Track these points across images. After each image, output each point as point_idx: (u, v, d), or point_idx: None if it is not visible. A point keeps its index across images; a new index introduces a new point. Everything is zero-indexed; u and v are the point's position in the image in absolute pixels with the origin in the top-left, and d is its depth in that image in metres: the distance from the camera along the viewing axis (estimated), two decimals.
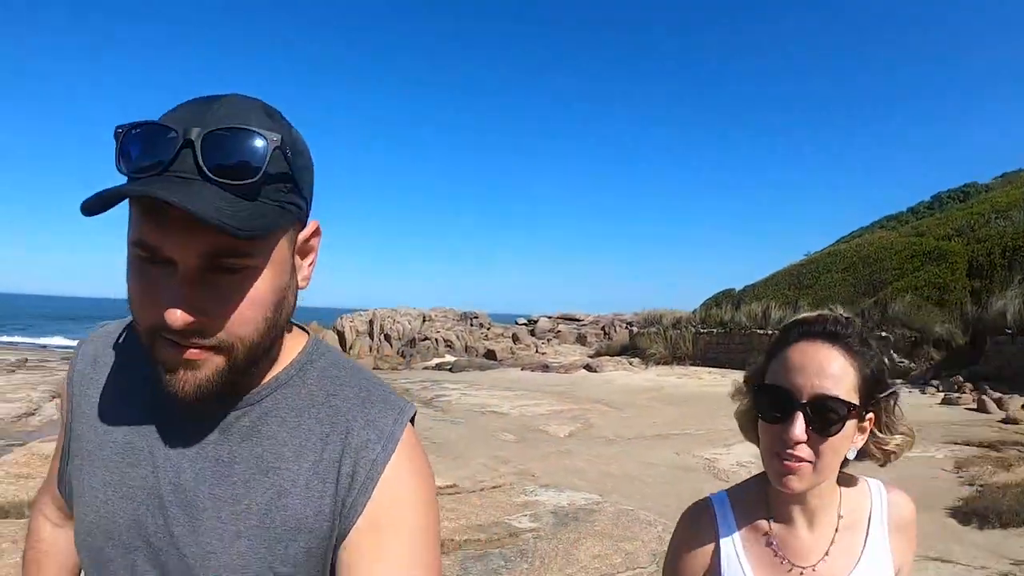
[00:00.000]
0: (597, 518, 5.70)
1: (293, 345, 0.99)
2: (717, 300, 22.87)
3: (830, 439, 1.16)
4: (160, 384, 0.85)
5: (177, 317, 0.77)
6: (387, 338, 35.58)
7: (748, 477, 1.38)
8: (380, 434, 0.93)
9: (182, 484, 0.90)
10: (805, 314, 1.29)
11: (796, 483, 1.17)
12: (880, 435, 1.26)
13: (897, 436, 1.28)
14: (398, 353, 33.65)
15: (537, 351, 32.62)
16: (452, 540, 5.09)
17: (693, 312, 23.33)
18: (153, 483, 0.92)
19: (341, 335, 36.66)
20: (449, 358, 30.84)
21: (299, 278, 0.95)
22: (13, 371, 19.56)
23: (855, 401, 1.18)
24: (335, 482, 0.90)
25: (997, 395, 11.71)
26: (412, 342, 34.55)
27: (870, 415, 1.24)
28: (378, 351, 34.50)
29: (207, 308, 0.80)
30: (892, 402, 1.27)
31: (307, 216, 0.93)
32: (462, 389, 17.47)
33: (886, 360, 1.26)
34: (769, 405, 1.21)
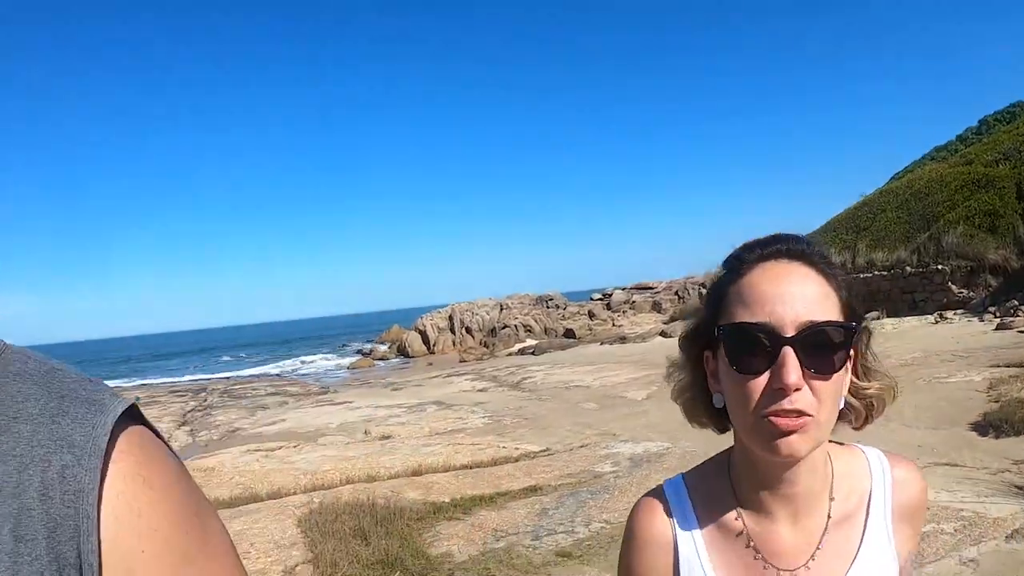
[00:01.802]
0: (666, 459, 6.82)
1: None
2: None
3: (831, 379, 0.89)
4: None
5: None
6: (468, 331, 36.79)
7: (706, 459, 1.10)
8: (79, 452, 0.62)
9: None
10: (748, 242, 1.00)
11: (800, 444, 0.87)
12: (858, 381, 0.98)
13: (875, 382, 1.00)
14: (481, 344, 34.85)
15: (613, 324, 33.44)
16: (549, 485, 6.38)
17: None
18: None
19: (423, 334, 38.09)
20: (530, 342, 31.85)
21: None
22: None
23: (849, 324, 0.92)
24: (46, 545, 0.59)
25: None
26: (493, 331, 35.71)
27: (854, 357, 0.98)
28: (461, 344, 35.75)
29: None
30: (867, 338, 1.01)
31: None
32: (546, 369, 18.53)
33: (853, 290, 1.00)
34: (743, 351, 0.90)
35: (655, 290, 39.95)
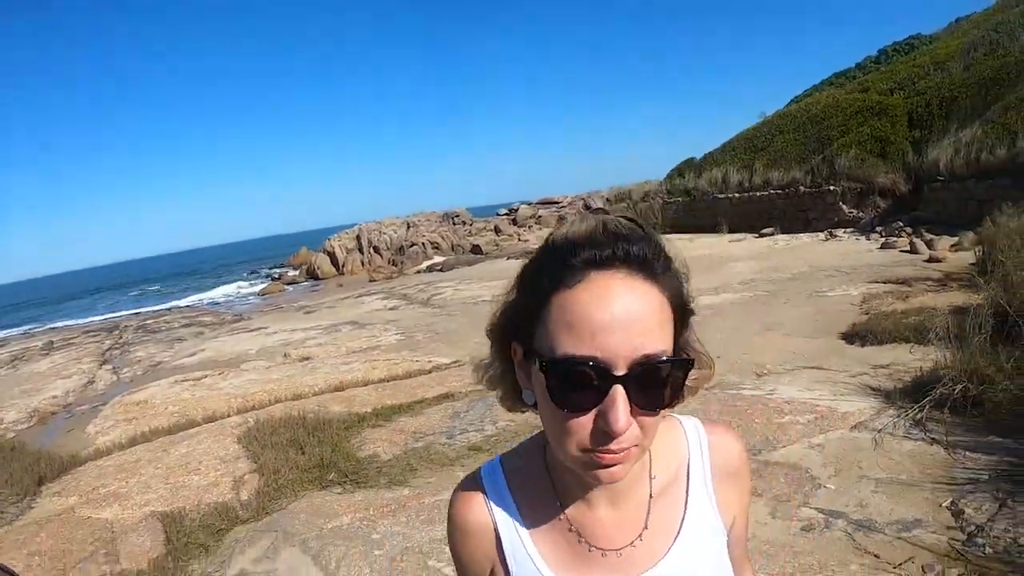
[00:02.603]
0: None
1: None
2: (680, 170, 23.99)
3: (659, 412, 0.82)
4: None
5: None
6: (376, 250, 36.80)
7: (527, 438, 1.04)
8: None
9: None
10: (576, 226, 0.83)
11: (623, 471, 0.82)
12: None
13: (697, 371, 0.89)
14: (389, 263, 34.93)
15: (519, 239, 34.05)
16: (461, 392, 7.11)
17: (659, 184, 24.64)
18: None
19: (332, 255, 37.95)
20: (438, 259, 32.33)
21: None
22: (47, 353, 21.03)
23: (675, 351, 0.82)
24: None
25: (930, 237, 12.61)
26: (401, 249, 35.81)
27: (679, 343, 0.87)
28: (370, 264, 35.79)
29: None
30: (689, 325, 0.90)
31: None
32: (454, 285, 19.11)
33: (676, 263, 0.86)
34: (567, 388, 0.79)
35: (560, 204, 40.50)
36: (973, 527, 3.20)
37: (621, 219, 0.84)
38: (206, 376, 11.09)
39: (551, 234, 0.86)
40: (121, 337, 22.56)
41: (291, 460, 5.51)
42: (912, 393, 4.90)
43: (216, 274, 67.51)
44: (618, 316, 0.76)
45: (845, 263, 11.63)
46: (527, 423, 5.78)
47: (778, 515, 3.64)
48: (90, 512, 5.45)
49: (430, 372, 8.67)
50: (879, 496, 3.66)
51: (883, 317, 7.43)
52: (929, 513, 3.40)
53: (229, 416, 7.70)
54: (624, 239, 0.80)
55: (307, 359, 11.24)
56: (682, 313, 0.85)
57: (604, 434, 0.78)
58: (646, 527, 0.95)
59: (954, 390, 4.49)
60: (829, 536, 3.37)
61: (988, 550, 3.00)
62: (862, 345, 6.81)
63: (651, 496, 0.96)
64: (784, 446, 4.55)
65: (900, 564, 3.04)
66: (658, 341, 0.78)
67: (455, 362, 9.07)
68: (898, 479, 3.81)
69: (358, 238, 37.86)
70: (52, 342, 24.09)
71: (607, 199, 33.90)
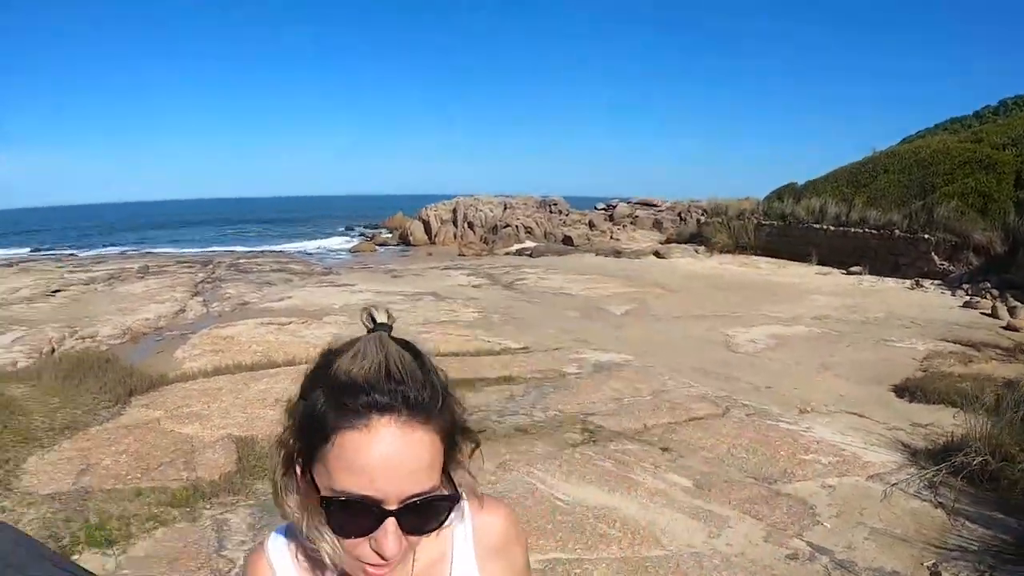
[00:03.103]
0: (625, 370, 7.90)
1: None
2: (780, 193, 23.72)
3: (428, 534, 0.95)
4: None
5: None
6: (470, 226, 37.35)
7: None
8: None
9: None
10: (360, 363, 0.92)
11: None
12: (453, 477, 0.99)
13: (464, 472, 1.01)
14: (481, 240, 35.52)
15: (611, 237, 34.01)
16: (521, 378, 7.53)
17: (757, 204, 24.40)
18: None
19: (426, 224, 38.74)
20: (529, 244, 32.67)
21: None
22: (143, 277, 22.08)
23: (445, 487, 0.96)
24: None
25: (1014, 304, 12.07)
26: (494, 229, 36.30)
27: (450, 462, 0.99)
28: (462, 238, 36.41)
29: None
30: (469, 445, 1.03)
31: None
32: (539, 273, 19.36)
33: (452, 395, 0.99)
34: (347, 519, 0.91)
35: (659, 208, 40.06)
36: None
37: (403, 356, 0.94)
38: (291, 323, 11.83)
39: (335, 361, 0.95)
40: (214, 272, 23.64)
41: None
42: (936, 456, 5.05)
43: (313, 223, 69.60)
44: (392, 461, 0.88)
45: (922, 316, 11.50)
46: (572, 413, 6.22)
47: (770, 540, 3.96)
48: (173, 426, 6.10)
49: (498, 354, 9.10)
50: (869, 543, 3.92)
51: (939, 377, 7.44)
52: (909, 569, 3.66)
53: (307, 363, 8.27)
54: (404, 384, 0.91)
55: None
56: (452, 442, 0.97)
57: (378, 556, 0.91)
58: None
59: (973, 460, 4.63)
60: (810, 568, 3.68)
61: None
62: (910, 401, 6.87)
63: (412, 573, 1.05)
64: (799, 481, 4.81)
65: None
66: (426, 481, 0.91)
67: (523, 348, 9.48)
68: (892, 532, 4.05)
69: (454, 211, 38.44)
70: (148, 267, 25.23)
71: (704, 210, 33.62)
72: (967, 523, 4.15)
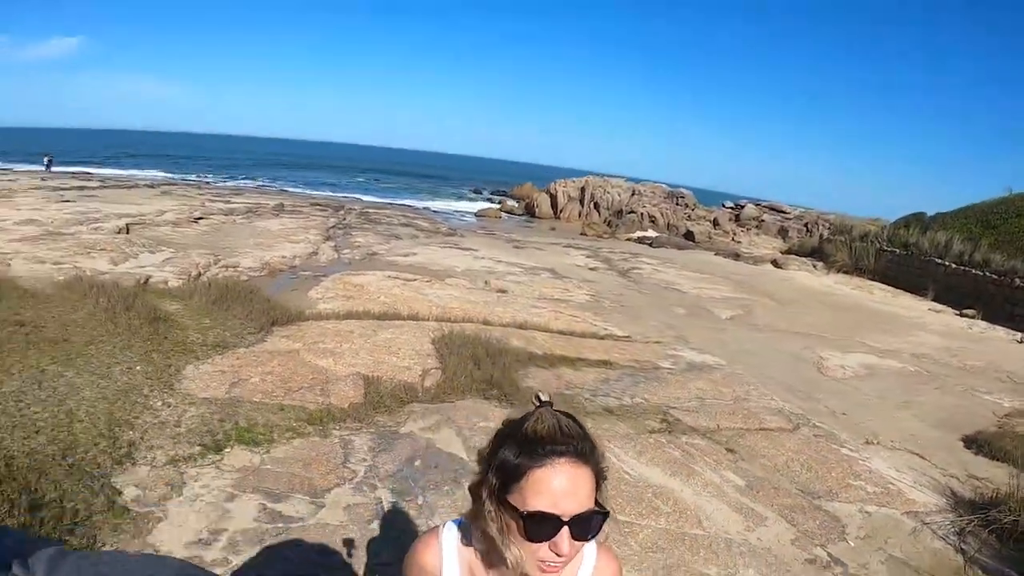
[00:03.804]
0: (715, 373, 8.49)
1: None
2: (907, 222, 23.27)
3: (587, 540, 1.36)
4: None
5: None
6: (596, 206, 37.86)
7: (469, 520, 1.50)
8: None
9: None
10: (540, 424, 1.35)
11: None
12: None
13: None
14: (605, 222, 36.05)
15: (733, 238, 34.03)
16: (618, 364, 8.26)
17: (882, 228, 24.03)
18: None
19: (554, 198, 39.46)
20: (651, 233, 33.12)
21: None
22: (278, 215, 23.61)
23: (603, 505, 1.36)
24: None
25: None
26: (619, 213, 36.78)
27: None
28: (586, 218, 36.96)
29: None
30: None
31: None
32: (655, 265, 19.82)
33: (599, 450, 1.40)
34: (536, 529, 1.31)
35: (787, 215, 39.73)
36: None
37: (569, 421, 1.36)
38: (415, 280, 12.91)
39: (521, 425, 1.36)
40: (344, 219, 25.01)
41: (468, 370, 6.90)
42: (975, 507, 5.36)
43: (441, 181, 71.38)
44: (567, 488, 1.29)
45: (1021, 371, 11.26)
46: (656, 404, 6.88)
47: (796, 544, 4.58)
48: (311, 358, 7.08)
49: (602, 339, 9.76)
50: (882, 568, 4.43)
51: (1012, 436, 7.49)
52: None
53: (428, 320, 9.26)
54: (572, 438, 1.32)
55: (503, 292, 12.80)
56: (601, 478, 1.37)
57: (555, 555, 1.30)
58: None
59: (1005, 518, 4.94)
60: (822, 575, 4.28)
61: None
62: (975, 453, 6.97)
63: None
64: (840, 501, 5.31)
65: None
66: (587, 502, 1.31)
67: (626, 336, 10.15)
68: (908, 563, 4.53)
69: (582, 190, 39.01)
70: (283, 205, 26.89)
71: (830, 224, 33.07)
72: (980, 572, 4.54)
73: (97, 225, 15.98)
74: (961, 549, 4.78)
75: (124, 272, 10.96)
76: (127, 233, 15.62)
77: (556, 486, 1.30)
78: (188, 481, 4.42)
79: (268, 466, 4.73)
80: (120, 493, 4.14)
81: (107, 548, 3.60)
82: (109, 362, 6.20)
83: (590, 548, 1.54)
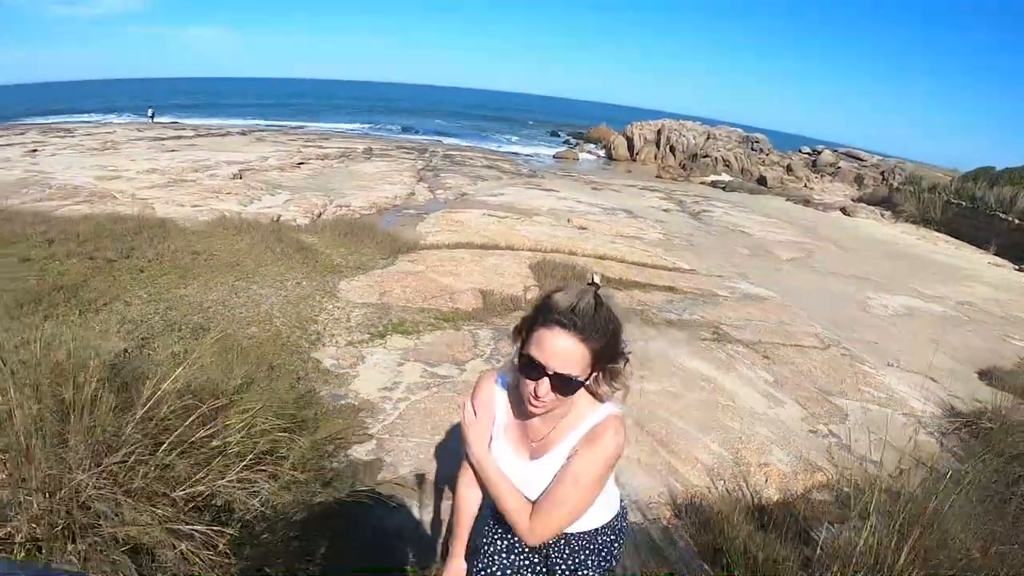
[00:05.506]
0: (766, 303, 9.89)
1: None
2: (975, 175, 23.51)
3: (567, 396, 1.80)
4: None
5: None
6: (672, 150, 38.55)
7: (511, 369, 2.04)
8: None
9: None
10: (557, 295, 1.78)
11: (536, 415, 1.90)
12: (595, 385, 1.90)
13: (607, 387, 1.91)
14: (680, 165, 36.86)
15: (806, 185, 34.38)
16: (682, 291, 9.80)
17: (951, 179, 24.38)
18: None
19: (630, 140, 40.33)
20: (725, 177, 33.78)
21: None
22: (369, 159, 25.37)
23: (585, 375, 1.77)
24: None
25: None
26: (694, 157, 37.47)
27: (596, 373, 1.85)
28: (662, 160, 37.77)
29: None
30: (621, 364, 1.87)
31: None
32: (726, 209, 20.82)
33: (615, 338, 1.80)
34: (528, 369, 1.77)
35: (864, 163, 39.43)
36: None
37: (588, 303, 1.74)
38: (507, 217, 14.66)
39: (549, 293, 1.81)
40: (431, 161, 26.73)
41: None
42: (966, 418, 6.32)
43: (519, 123, 72.05)
44: (555, 350, 1.73)
45: None
46: (710, 320, 8.26)
47: (804, 421, 6.07)
48: (436, 277, 8.90)
49: (670, 271, 11.23)
50: (870, 444, 5.61)
51: None
52: (887, 462, 5.20)
53: (523, 250, 11.00)
54: (578, 316, 1.72)
55: (584, 228, 14.41)
56: (597, 361, 1.78)
57: (536, 394, 1.79)
58: (548, 436, 1.99)
59: (986, 424, 6.01)
60: (819, 442, 5.80)
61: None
62: (987, 384, 7.53)
63: (555, 427, 1.99)
64: (848, 399, 6.65)
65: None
66: (573, 368, 1.74)
67: (691, 270, 11.57)
68: (892, 443, 5.34)
69: (659, 133, 39.68)
70: (372, 149, 28.68)
71: (904, 173, 33.04)
72: (950, 457, 5.65)
73: (212, 172, 18.18)
74: (941, 442, 5.89)
75: (257, 212, 13.05)
76: (241, 179, 17.76)
77: (547, 345, 1.76)
78: (366, 356, 6.30)
79: (421, 347, 6.59)
80: (320, 363, 6.00)
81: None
82: (281, 279, 8.20)
83: (599, 414, 1.97)
